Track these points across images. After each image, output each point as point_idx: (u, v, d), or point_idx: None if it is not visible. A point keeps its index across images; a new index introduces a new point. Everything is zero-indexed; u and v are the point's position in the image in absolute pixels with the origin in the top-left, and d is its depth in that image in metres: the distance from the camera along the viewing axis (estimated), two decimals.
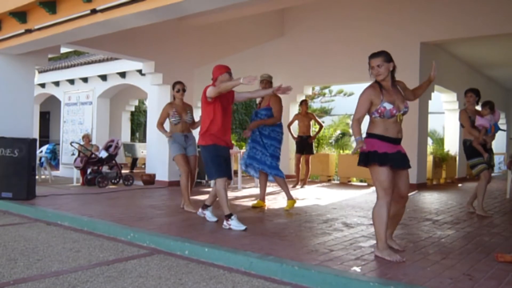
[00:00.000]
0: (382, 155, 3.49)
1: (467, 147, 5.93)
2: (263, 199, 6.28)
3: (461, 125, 6.05)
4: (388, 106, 3.49)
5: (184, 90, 6.14)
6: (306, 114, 9.23)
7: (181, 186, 5.92)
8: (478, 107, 6.14)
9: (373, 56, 3.61)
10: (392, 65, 3.62)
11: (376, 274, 3.11)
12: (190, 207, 5.84)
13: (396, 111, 3.53)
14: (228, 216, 4.66)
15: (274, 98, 6.06)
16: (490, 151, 5.98)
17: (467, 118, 5.91)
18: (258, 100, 6.05)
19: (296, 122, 9.35)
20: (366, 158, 3.54)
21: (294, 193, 7.40)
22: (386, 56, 3.60)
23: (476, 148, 5.81)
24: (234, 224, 4.62)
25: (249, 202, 6.69)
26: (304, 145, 9.11)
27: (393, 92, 3.61)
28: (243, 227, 4.58)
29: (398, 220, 3.93)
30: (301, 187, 9.21)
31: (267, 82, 6.05)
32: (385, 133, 3.54)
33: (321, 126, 9.53)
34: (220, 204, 4.81)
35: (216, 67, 4.99)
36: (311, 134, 9.30)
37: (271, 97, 6.03)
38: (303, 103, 9.38)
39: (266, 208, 6.19)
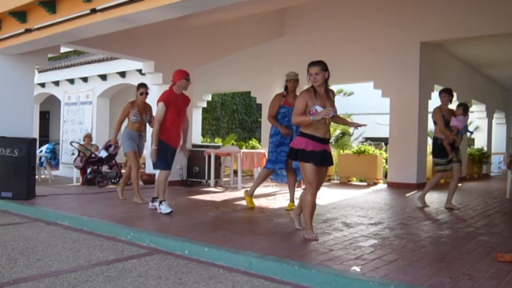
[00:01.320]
0: (308, 153, 4.00)
1: (437, 145, 6.27)
2: (293, 200, 6.13)
3: (434, 123, 6.32)
4: (319, 108, 3.94)
5: (147, 94, 6.57)
6: None
7: (132, 179, 6.46)
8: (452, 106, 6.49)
9: (312, 64, 4.05)
10: (327, 73, 4.07)
11: (376, 274, 3.11)
12: (138, 198, 6.43)
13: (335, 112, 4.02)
14: (161, 202, 5.55)
15: None
16: (456, 148, 6.30)
17: (441, 117, 6.21)
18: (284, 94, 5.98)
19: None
20: (295, 154, 4.09)
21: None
22: (323, 66, 4.05)
23: (445, 147, 6.14)
24: (163, 208, 5.52)
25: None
26: None
27: (325, 97, 4.08)
28: (169, 210, 5.48)
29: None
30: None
31: (295, 80, 5.92)
32: (315, 133, 4.01)
33: None
34: (158, 190, 5.60)
35: (176, 72, 5.56)
36: None
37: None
38: None
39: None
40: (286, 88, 6.01)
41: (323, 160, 4.06)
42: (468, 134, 6.94)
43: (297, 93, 6.14)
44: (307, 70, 4.09)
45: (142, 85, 6.59)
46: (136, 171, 6.43)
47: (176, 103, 5.45)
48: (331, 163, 4.18)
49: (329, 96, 4.15)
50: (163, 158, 5.47)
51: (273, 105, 5.93)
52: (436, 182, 6.38)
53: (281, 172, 6.06)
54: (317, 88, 4.06)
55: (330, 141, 13.97)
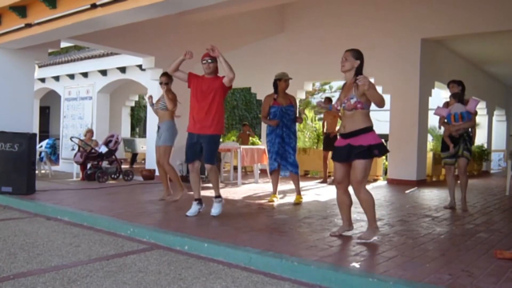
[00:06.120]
0: (334, 150, 4.05)
1: (442, 139, 6.15)
2: (299, 193, 6.36)
3: None
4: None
5: (165, 84, 6.12)
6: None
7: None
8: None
9: (348, 50, 4.01)
10: (358, 63, 4.01)
11: (376, 270, 3.12)
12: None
13: (338, 105, 3.98)
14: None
15: (294, 97, 6.45)
16: (461, 140, 5.90)
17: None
18: (274, 97, 6.27)
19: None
20: None
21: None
22: (355, 53, 3.99)
23: (445, 140, 5.99)
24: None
25: (249, 199, 6.70)
26: (332, 142, 9.29)
27: (347, 89, 4.00)
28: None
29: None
30: (328, 183, 9.22)
31: (286, 80, 6.27)
32: (341, 129, 4.00)
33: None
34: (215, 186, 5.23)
35: None
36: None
37: (290, 97, 6.34)
38: (327, 101, 9.46)
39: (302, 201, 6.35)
40: (275, 87, 6.25)
41: (347, 155, 3.86)
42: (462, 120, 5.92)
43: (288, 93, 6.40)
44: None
45: (162, 75, 6.27)
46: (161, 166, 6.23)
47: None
48: (356, 157, 3.80)
49: (351, 88, 3.93)
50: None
51: (264, 107, 6.30)
52: (451, 181, 6.08)
53: (285, 168, 6.26)
54: (346, 80, 4.02)
55: None
